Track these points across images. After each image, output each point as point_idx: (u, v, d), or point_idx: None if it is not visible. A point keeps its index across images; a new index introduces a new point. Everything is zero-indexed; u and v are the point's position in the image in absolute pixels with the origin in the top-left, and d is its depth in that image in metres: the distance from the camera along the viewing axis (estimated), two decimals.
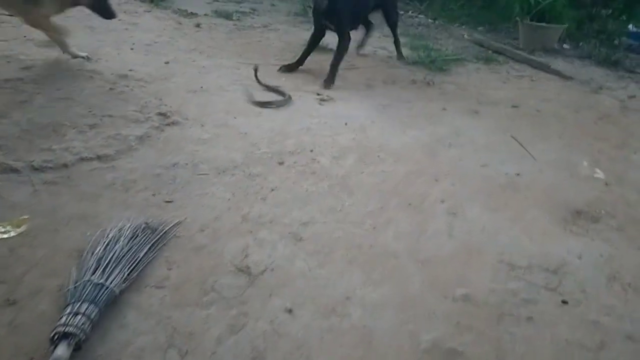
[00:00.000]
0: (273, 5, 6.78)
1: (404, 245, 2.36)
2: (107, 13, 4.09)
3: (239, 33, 5.59)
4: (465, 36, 6.53)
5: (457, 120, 3.90)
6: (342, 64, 4.56)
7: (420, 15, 7.05)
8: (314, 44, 4.66)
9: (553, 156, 3.46)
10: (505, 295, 2.11)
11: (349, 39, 4.51)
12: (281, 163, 2.96)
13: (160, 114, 3.34)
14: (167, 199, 2.50)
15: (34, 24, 3.81)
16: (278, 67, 4.60)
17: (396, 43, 5.37)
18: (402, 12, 7.13)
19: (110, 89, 3.55)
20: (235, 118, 3.48)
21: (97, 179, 2.58)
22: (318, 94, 4.19)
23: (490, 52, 5.99)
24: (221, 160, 2.91)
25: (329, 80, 4.35)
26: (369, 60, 5.27)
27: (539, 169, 3.26)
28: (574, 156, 3.49)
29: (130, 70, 4.08)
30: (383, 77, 4.77)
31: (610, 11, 7.32)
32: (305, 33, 5.84)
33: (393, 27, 5.29)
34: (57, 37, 3.92)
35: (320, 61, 4.93)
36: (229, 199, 2.56)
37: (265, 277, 2.07)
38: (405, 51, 5.59)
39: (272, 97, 3.91)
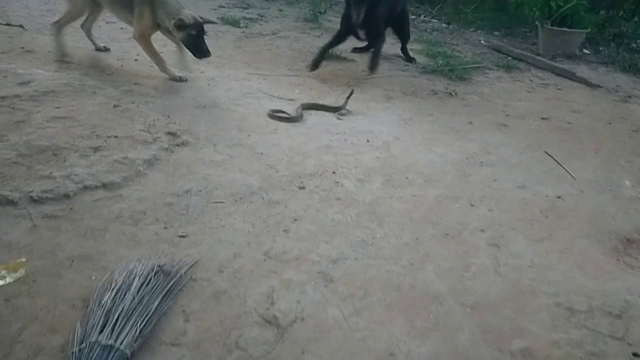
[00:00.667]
0: (280, 10, 6.54)
1: (447, 285, 2.10)
2: (199, 51, 3.83)
3: (247, 41, 5.34)
4: (482, 41, 6.28)
5: (485, 135, 3.65)
6: (358, 74, 4.32)
7: (433, 20, 6.81)
8: (338, 42, 4.69)
9: (592, 175, 3.21)
10: (569, 348, 1.85)
11: (384, 39, 4.68)
12: (302, 187, 2.72)
13: (169, 133, 3.09)
14: (181, 233, 2.25)
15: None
16: (293, 74, 4.35)
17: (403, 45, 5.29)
18: (413, 17, 6.90)
19: (115, 105, 3.30)
20: (249, 136, 3.23)
21: (103, 210, 2.33)
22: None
23: (510, 58, 5.73)
24: (237, 185, 2.66)
25: (374, 66, 4.49)
26: (384, 68, 5.02)
27: (580, 189, 3.01)
28: (614, 174, 3.24)
29: (135, 84, 3.83)
30: (402, 87, 4.52)
31: (621, 12, 7.07)
32: (316, 40, 5.60)
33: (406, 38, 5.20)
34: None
35: (335, 71, 4.69)
36: (248, 232, 2.31)
37: (295, 329, 1.82)
38: (422, 59, 5.35)
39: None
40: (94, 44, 4.51)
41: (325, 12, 6.22)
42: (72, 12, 4.12)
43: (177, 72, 4.02)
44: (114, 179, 2.55)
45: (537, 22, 5.97)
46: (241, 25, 5.72)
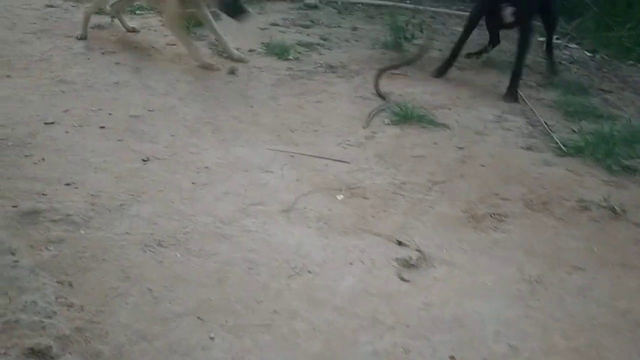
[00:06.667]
0: (354, 30, 4.78)
1: None
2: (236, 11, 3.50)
3: (290, 85, 3.65)
4: None
5: None
6: (449, 156, 2.54)
7: (571, 45, 4.73)
8: (468, 35, 3.88)
9: None
10: None
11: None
12: None
13: (30, 352, 1.49)
14: None
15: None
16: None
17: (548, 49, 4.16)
18: (541, 39, 4.83)
19: None
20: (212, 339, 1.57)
21: None
22: (399, 242, 2.17)
23: None
24: None
25: (512, 94, 3.60)
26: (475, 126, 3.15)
27: None
28: None
29: (68, 184, 2.30)
30: (523, 188, 2.66)
31: None
32: (396, 81, 3.79)
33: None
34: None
35: (411, 143, 2.91)
36: None
37: None
38: (557, 120, 3.41)
39: None
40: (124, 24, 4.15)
41: (412, 37, 4.38)
42: None
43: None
44: None
45: None
46: (290, 56, 4.03)
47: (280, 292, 1.89)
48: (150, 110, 3.06)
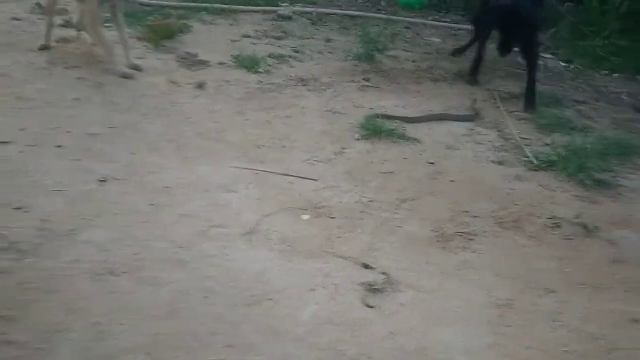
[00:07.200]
0: (328, 41, 4.69)
1: None
2: None
3: (260, 99, 3.56)
4: (624, 97, 4.13)
5: None
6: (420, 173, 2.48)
7: (546, 55, 4.70)
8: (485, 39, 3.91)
9: None
10: None
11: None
12: None
13: None
14: None
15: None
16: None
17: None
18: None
19: None
20: None
21: None
22: (365, 266, 2.09)
23: None
24: None
25: (531, 104, 3.61)
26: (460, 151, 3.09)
27: None
28: None
29: (18, 208, 2.19)
30: (493, 205, 2.60)
31: None
32: (369, 95, 3.72)
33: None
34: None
35: (383, 160, 2.83)
36: None
37: None
38: (530, 132, 3.35)
39: None
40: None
41: (385, 49, 4.31)
42: None
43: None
44: None
45: None
46: (260, 69, 3.94)
47: (237, 324, 1.80)
48: (110, 128, 2.95)
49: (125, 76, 3.56)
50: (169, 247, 2.10)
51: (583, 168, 2.89)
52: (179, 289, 1.90)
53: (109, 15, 4.02)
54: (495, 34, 4.08)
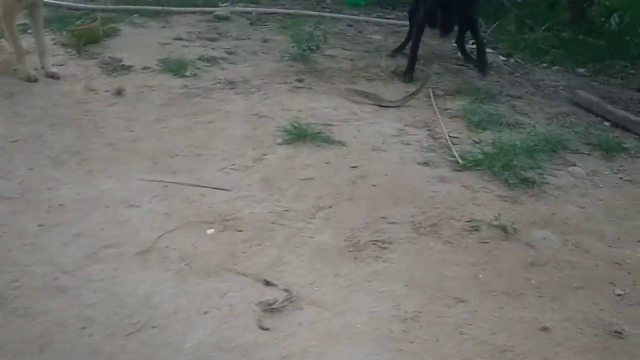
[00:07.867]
0: (265, 42, 4.54)
1: None
2: None
3: (182, 104, 3.40)
4: (561, 89, 4.07)
5: None
6: (343, 177, 2.35)
7: (488, 50, 4.62)
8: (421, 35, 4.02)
9: None
10: None
11: None
12: None
13: None
14: None
15: None
16: None
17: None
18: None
19: None
20: None
21: None
22: (267, 282, 1.96)
23: (607, 124, 3.53)
24: None
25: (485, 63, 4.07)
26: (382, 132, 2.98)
27: None
28: None
29: None
30: (411, 206, 2.49)
31: None
32: (299, 97, 3.58)
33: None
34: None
35: (302, 164, 2.70)
36: None
37: None
38: (459, 130, 3.26)
39: None
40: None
41: (318, 48, 4.18)
42: None
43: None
44: None
45: None
46: (187, 73, 3.78)
47: (113, 356, 1.64)
48: (12, 141, 2.77)
49: (29, 79, 3.43)
50: (50, 272, 1.93)
51: (509, 166, 2.80)
52: (53, 320, 1.74)
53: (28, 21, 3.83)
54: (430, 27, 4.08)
